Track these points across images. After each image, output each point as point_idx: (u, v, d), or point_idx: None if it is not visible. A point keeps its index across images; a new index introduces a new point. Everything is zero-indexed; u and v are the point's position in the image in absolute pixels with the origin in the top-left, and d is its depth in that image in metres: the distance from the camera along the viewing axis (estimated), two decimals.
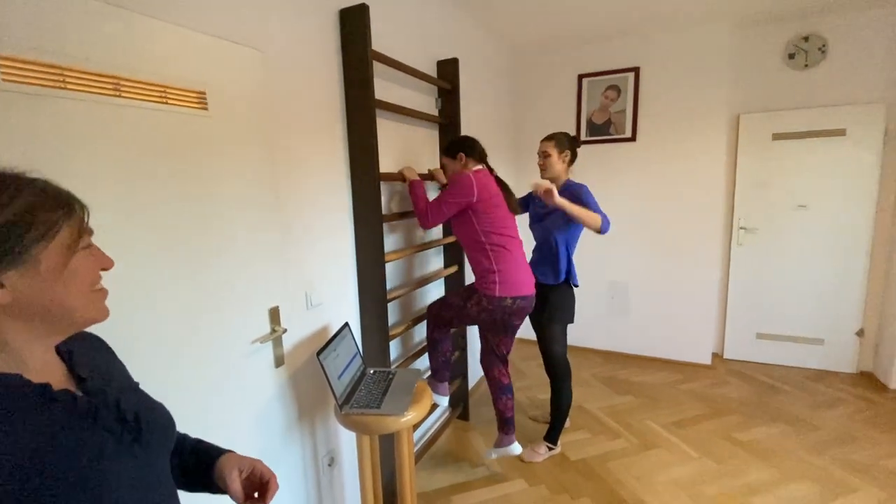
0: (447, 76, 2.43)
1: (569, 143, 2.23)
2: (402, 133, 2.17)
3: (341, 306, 1.81)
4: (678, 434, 2.52)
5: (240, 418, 1.38)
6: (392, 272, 2.10)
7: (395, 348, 2.17)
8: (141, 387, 0.71)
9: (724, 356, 3.52)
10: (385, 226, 1.99)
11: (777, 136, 3.16)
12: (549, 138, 2.24)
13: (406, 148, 2.20)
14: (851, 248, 3.06)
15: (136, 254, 1.08)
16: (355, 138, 1.78)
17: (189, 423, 1.18)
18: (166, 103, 1.13)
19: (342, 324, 1.67)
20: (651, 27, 3.15)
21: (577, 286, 2.31)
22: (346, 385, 1.55)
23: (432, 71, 2.41)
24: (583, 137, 3.60)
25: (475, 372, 3.06)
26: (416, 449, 2.36)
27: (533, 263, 2.26)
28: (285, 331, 1.49)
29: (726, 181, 3.32)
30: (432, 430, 2.54)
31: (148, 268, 1.10)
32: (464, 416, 2.73)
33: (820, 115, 3.03)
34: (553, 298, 2.25)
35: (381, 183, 1.90)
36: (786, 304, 3.27)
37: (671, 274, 3.44)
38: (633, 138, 3.43)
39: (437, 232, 2.52)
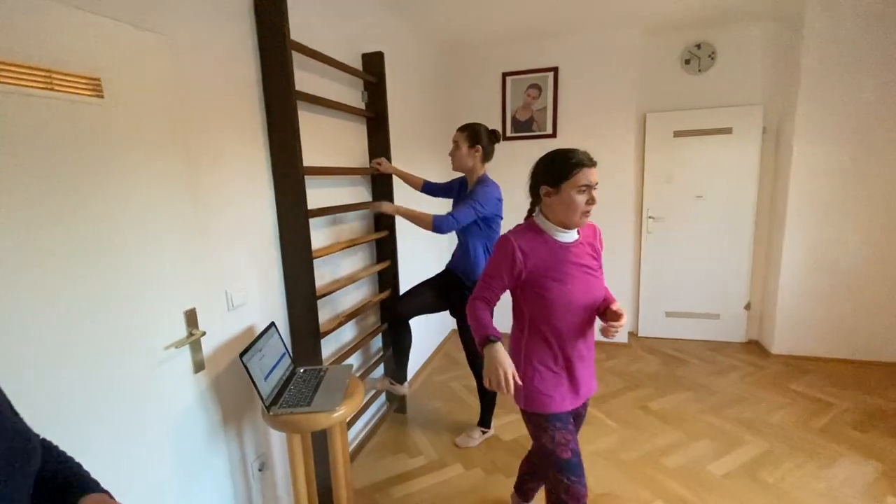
0: (372, 69, 2.42)
1: (485, 138, 2.16)
2: (328, 126, 2.13)
3: (267, 306, 1.75)
4: (602, 409, 2.73)
5: (154, 429, 1.29)
6: (322, 268, 2.06)
7: (330, 345, 2.14)
8: (24, 403, 0.64)
9: (639, 334, 3.86)
10: (313, 221, 1.95)
11: (678, 134, 3.50)
12: (463, 129, 2.16)
13: (333, 141, 2.16)
14: (739, 233, 3.49)
15: (23, 253, 0.97)
16: (276, 131, 1.72)
17: (91, 440, 1.09)
18: (52, 90, 1.02)
19: (268, 324, 1.62)
20: (568, 30, 3.34)
21: None
22: (274, 386, 1.51)
23: (357, 64, 2.38)
24: (508, 134, 3.75)
25: (413, 365, 3.09)
26: (352, 446, 2.35)
27: (454, 253, 2.34)
28: (204, 334, 1.41)
29: (636, 175, 3.63)
30: (369, 426, 2.54)
31: (36, 271, 1.00)
32: (401, 409, 2.75)
33: (711, 115, 3.41)
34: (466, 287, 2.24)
35: (308, 177, 1.86)
36: (688, 284, 3.66)
37: None
38: (553, 135, 3.63)
39: (368, 227, 2.50)
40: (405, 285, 2.82)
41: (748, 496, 1.95)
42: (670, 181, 3.56)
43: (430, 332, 3.55)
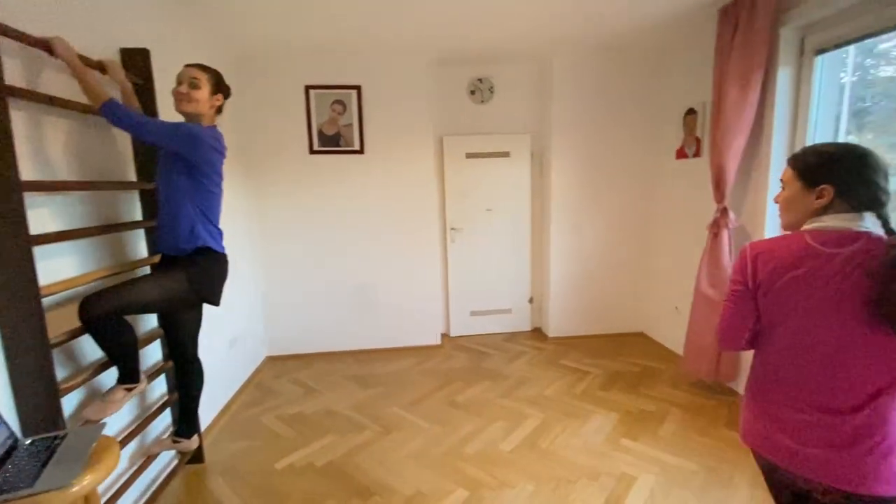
0: (135, 68, 2.07)
1: (227, 91, 1.89)
2: (72, 131, 1.72)
3: None
4: (414, 411, 2.87)
5: None
6: (67, 306, 1.65)
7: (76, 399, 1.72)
8: None
9: (451, 335, 4.22)
10: (50, 248, 1.55)
11: (469, 155, 3.97)
12: (206, 69, 1.81)
13: (77, 148, 1.76)
14: (520, 239, 4.14)
15: None
16: None
17: None
18: None
19: None
20: (368, 51, 3.46)
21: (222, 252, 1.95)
22: None
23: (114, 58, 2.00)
24: (315, 147, 3.67)
25: (211, 405, 2.73)
26: None
27: (159, 227, 1.86)
28: None
29: (438, 190, 3.98)
30: (152, 490, 2.13)
31: None
32: (196, 459, 2.39)
33: (494, 140, 3.97)
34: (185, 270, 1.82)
35: (38, 194, 1.48)
36: (486, 285, 4.16)
37: (404, 271, 3.88)
38: (361, 151, 3.71)
39: (131, 251, 2.12)
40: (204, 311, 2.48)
41: (529, 464, 2.31)
42: (465, 196, 4.01)
43: (235, 362, 3.20)
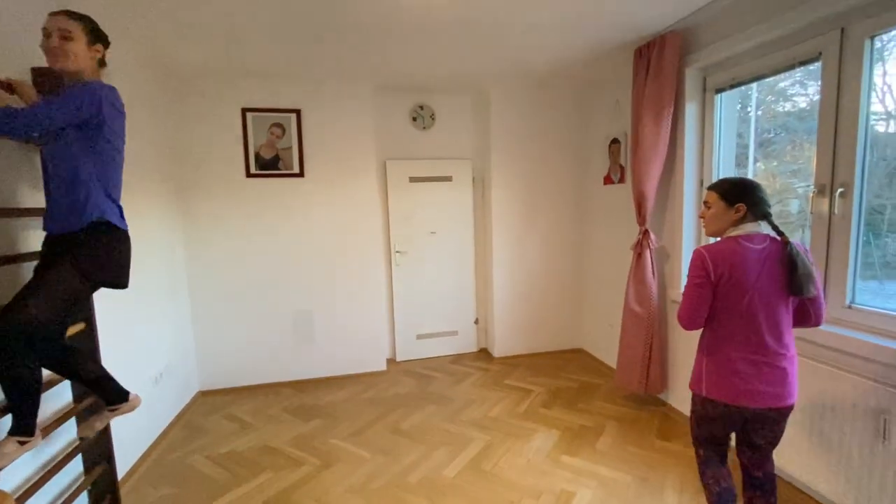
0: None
1: (105, 40, 1.65)
2: None
3: None
4: (356, 442, 2.78)
5: None
6: None
7: None
8: None
9: (397, 359, 4.16)
10: None
11: (413, 179, 4.02)
12: (77, 17, 1.54)
13: None
14: (464, 261, 4.21)
15: None
16: None
17: None
18: None
19: None
20: (308, 75, 3.46)
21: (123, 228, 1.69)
22: None
23: (24, 77, 1.86)
24: (252, 171, 3.57)
25: (130, 451, 2.50)
26: None
27: (47, 203, 1.60)
28: None
29: (382, 213, 3.98)
30: None
31: None
32: None
33: (437, 165, 4.06)
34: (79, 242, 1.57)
35: None
36: (432, 307, 4.17)
37: (347, 296, 3.81)
38: (301, 174, 3.65)
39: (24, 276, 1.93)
40: (122, 345, 2.29)
41: (473, 489, 2.30)
42: (409, 219, 4.04)
43: (161, 400, 2.96)
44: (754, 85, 2.55)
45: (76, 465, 2.08)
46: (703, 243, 2.47)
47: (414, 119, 4.03)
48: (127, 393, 1.90)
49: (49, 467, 1.86)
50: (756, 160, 2.68)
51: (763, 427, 1.61)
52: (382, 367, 3.94)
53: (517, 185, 4.02)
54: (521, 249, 4.09)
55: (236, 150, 3.53)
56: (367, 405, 3.30)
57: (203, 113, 3.45)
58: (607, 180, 3.66)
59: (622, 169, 3.45)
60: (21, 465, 1.76)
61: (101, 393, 1.86)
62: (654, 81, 2.76)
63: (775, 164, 2.68)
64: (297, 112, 3.60)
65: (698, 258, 1.57)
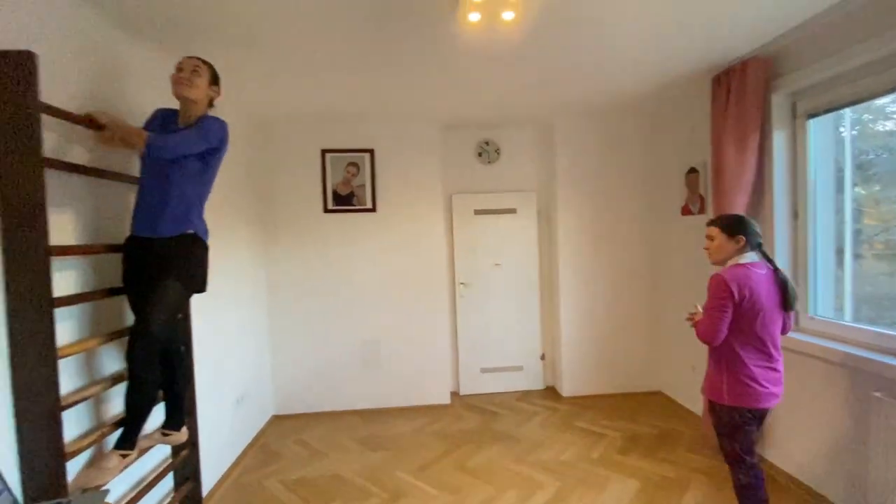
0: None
1: (219, 84, 1.91)
2: (91, 195, 1.82)
3: None
4: (423, 477, 2.75)
5: None
6: (71, 369, 1.67)
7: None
8: None
9: (461, 393, 4.11)
10: (60, 311, 1.60)
11: (478, 212, 4.08)
12: (204, 61, 1.83)
13: (96, 212, 1.85)
14: (529, 294, 4.13)
15: None
16: (13, 208, 1.41)
17: None
18: None
19: None
20: (380, 118, 3.69)
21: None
22: None
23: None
24: (329, 207, 3.82)
25: (213, 469, 2.65)
26: None
27: (143, 211, 1.78)
28: None
29: (447, 246, 4.05)
30: None
31: None
32: None
33: (501, 198, 4.09)
34: (173, 252, 1.76)
35: (55, 258, 1.55)
36: (496, 341, 4.11)
37: (413, 327, 3.87)
38: (373, 209, 3.84)
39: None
40: (210, 371, 2.48)
41: None
42: (474, 252, 4.07)
43: (241, 422, 3.14)
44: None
45: (167, 482, 2.24)
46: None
47: (479, 154, 4.12)
48: (183, 424, 2.06)
49: (143, 484, 2.02)
50: (854, 184, 2.42)
51: (761, 423, 1.93)
52: (446, 400, 3.91)
53: (584, 216, 3.93)
54: (589, 283, 3.94)
55: (315, 188, 3.81)
56: (433, 439, 3.26)
57: (287, 154, 3.78)
58: (685, 211, 3.47)
59: (702, 199, 3.26)
60: (118, 482, 1.93)
61: (173, 411, 2.02)
62: (735, 109, 2.62)
63: (878, 188, 2.41)
64: (371, 152, 3.82)
65: (722, 282, 1.81)
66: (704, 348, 3.02)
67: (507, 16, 1.91)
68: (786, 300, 1.83)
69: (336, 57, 2.43)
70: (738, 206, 2.63)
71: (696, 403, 3.36)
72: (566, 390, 3.95)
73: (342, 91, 3.00)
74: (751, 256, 1.87)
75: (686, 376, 3.56)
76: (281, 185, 3.79)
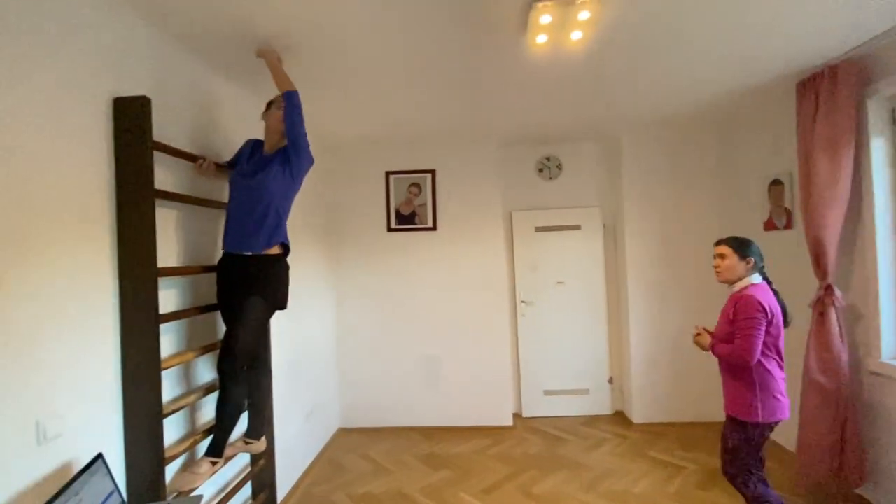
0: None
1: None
2: (190, 221, 2.02)
3: (95, 432, 1.48)
4: (487, 500, 2.70)
5: None
6: (171, 379, 1.83)
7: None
8: None
9: (523, 415, 4.01)
10: (164, 326, 1.77)
11: (539, 229, 4.02)
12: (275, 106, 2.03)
13: (195, 236, 2.04)
14: (595, 313, 3.98)
15: None
16: (129, 233, 1.60)
17: None
18: None
19: (93, 457, 1.36)
20: (442, 139, 3.78)
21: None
22: None
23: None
24: (392, 226, 3.95)
25: (285, 480, 2.77)
26: None
27: (235, 230, 1.91)
28: None
29: (507, 264, 4.02)
30: None
31: None
32: None
33: (563, 214, 4.01)
34: (260, 271, 1.90)
35: (161, 278, 1.73)
36: (560, 362, 3.98)
37: (474, 345, 3.86)
38: (434, 228, 3.91)
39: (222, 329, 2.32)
40: (284, 384, 2.62)
41: None
42: (535, 270, 4.00)
43: (310, 434, 3.26)
44: None
45: (246, 491, 2.37)
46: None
47: (540, 170, 4.09)
48: (263, 434, 2.18)
49: (226, 491, 2.14)
50: None
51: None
52: (509, 421, 3.83)
53: (654, 232, 3.75)
54: (661, 302, 3.73)
55: (380, 208, 3.95)
56: (496, 461, 3.20)
57: (354, 175, 3.97)
58: (769, 226, 3.21)
59: (788, 213, 3.00)
60: (204, 487, 2.06)
61: (255, 421, 2.14)
62: (826, 116, 2.41)
63: None
64: (432, 172, 3.92)
65: (754, 301, 1.87)
66: (791, 376, 2.76)
67: (576, 35, 1.91)
68: (786, 318, 1.95)
69: (402, 82, 2.53)
70: (832, 221, 2.41)
71: (787, 437, 3.04)
72: (637, 416, 3.73)
73: (406, 116, 3.12)
74: (758, 278, 1.98)
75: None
76: (348, 206, 3.97)
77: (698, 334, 2.12)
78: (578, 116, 3.29)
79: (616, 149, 3.89)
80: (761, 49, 2.26)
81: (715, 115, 3.41)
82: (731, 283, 2.02)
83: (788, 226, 3.01)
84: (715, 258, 2.05)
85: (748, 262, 1.96)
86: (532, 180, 4.11)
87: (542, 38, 1.94)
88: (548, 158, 4.09)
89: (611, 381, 3.99)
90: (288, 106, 1.91)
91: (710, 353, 2.05)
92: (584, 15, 1.76)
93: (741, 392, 1.95)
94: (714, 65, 2.45)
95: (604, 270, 4.00)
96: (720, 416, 3.64)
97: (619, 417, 3.91)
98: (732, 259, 1.98)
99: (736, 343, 1.90)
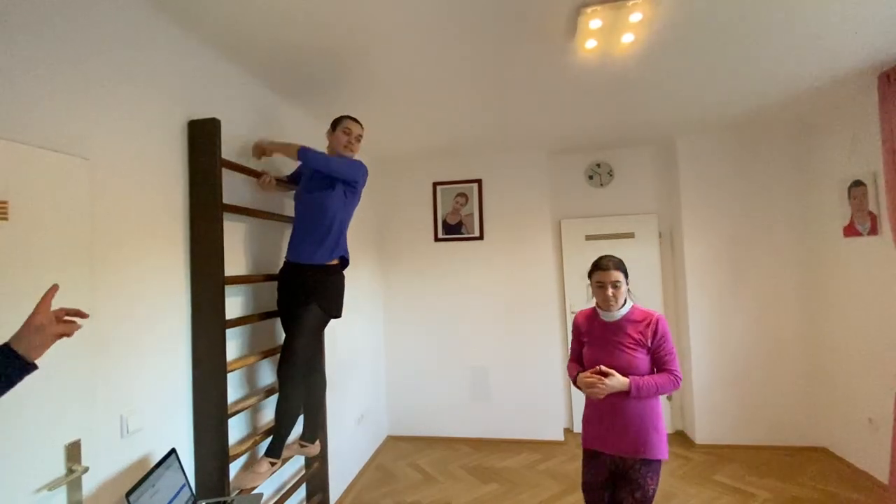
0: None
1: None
2: (254, 233, 2.15)
3: (168, 429, 1.60)
4: None
5: None
6: (235, 382, 1.95)
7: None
8: None
9: (574, 430, 3.86)
10: (229, 331, 1.89)
11: (589, 238, 3.91)
12: (359, 124, 2.18)
13: (257, 246, 2.17)
14: None
15: None
16: (200, 244, 1.73)
17: None
18: None
19: (168, 451, 1.47)
20: (487, 149, 3.79)
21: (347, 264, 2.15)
22: None
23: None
24: (439, 236, 3.98)
25: (337, 484, 2.83)
26: None
27: (299, 241, 2.03)
28: (86, 470, 1.25)
29: (557, 273, 3.93)
30: None
31: None
32: None
33: (615, 222, 3.88)
34: (318, 281, 2.00)
35: (227, 286, 1.85)
36: None
37: (523, 357, 3.79)
38: (481, 237, 3.91)
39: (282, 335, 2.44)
40: (336, 391, 2.71)
41: None
42: (586, 279, 3.86)
43: (360, 440, 3.33)
44: None
45: (300, 493, 2.45)
46: None
47: (590, 178, 3.99)
48: (317, 438, 2.24)
49: (282, 492, 2.23)
50: None
51: None
52: (560, 437, 3.71)
53: (716, 240, 3.54)
54: (726, 314, 3.50)
55: (427, 218, 4.01)
56: (546, 477, 3.10)
57: (402, 187, 4.06)
58: (850, 231, 2.93)
59: (873, 217, 2.73)
60: (262, 487, 2.15)
61: (311, 424, 2.21)
62: None
63: None
64: (479, 182, 3.93)
65: (664, 322, 1.74)
66: (883, 397, 2.48)
67: (627, 38, 1.86)
68: None
69: (452, 92, 2.56)
70: None
71: (875, 464, 2.73)
72: (700, 437, 3.49)
73: (453, 126, 3.15)
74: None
75: (861, 431, 2.92)
76: (396, 217, 4.06)
77: (592, 381, 1.68)
78: (630, 121, 3.19)
79: (671, 154, 3.72)
80: (838, 38, 2.08)
81: (783, 114, 3.18)
82: (618, 309, 1.76)
83: (873, 231, 2.73)
84: (608, 287, 1.74)
85: (626, 285, 1.77)
86: (582, 188, 4.01)
87: (591, 44, 1.91)
88: (598, 165, 3.98)
89: (670, 397, 3.76)
90: (306, 161, 1.98)
91: (632, 391, 1.65)
92: (636, 17, 1.71)
93: (655, 426, 1.71)
94: (785, 62, 2.29)
95: (660, 279, 3.81)
96: (795, 440, 3.37)
97: (680, 437, 3.67)
98: (624, 284, 1.76)
99: (671, 368, 1.70)
